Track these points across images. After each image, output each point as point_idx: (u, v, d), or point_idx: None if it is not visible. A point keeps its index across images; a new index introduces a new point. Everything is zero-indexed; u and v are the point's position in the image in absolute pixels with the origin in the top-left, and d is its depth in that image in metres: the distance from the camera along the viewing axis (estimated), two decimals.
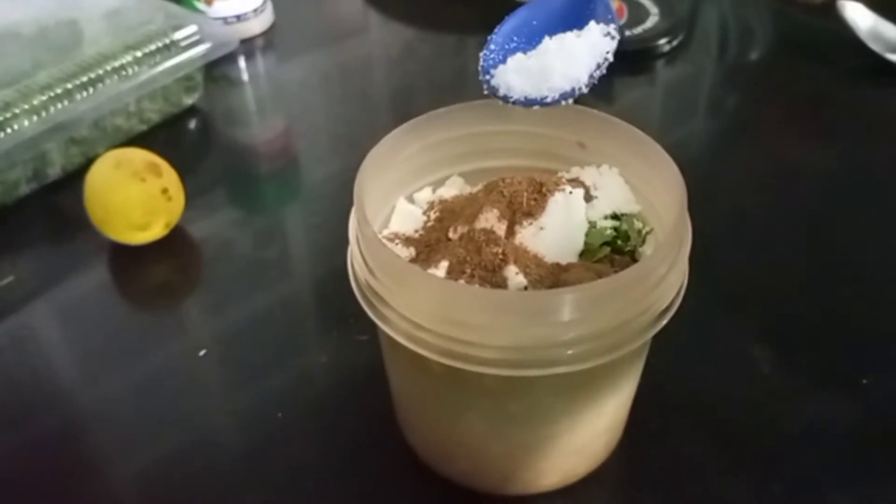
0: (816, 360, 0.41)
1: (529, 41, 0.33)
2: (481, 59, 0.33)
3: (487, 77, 0.33)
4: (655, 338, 0.30)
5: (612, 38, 0.32)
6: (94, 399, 0.41)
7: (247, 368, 0.42)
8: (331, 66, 0.66)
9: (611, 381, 0.32)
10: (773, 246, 0.47)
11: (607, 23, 0.32)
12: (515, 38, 0.33)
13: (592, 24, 0.32)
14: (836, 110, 0.59)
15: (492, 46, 0.33)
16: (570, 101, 0.32)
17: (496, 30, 0.34)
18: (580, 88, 0.32)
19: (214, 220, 0.51)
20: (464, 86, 0.64)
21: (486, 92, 0.33)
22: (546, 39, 0.33)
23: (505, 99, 0.32)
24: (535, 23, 0.33)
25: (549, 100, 0.32)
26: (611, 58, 0.32)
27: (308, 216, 0.53)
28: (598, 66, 0.32)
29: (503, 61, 0.33)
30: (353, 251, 0.31)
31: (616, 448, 0.36)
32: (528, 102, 0.32)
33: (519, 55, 0.33)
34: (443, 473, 0.36)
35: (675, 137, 0.57)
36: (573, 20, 0.33)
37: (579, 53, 0.32)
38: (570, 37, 0.32)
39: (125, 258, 0.47)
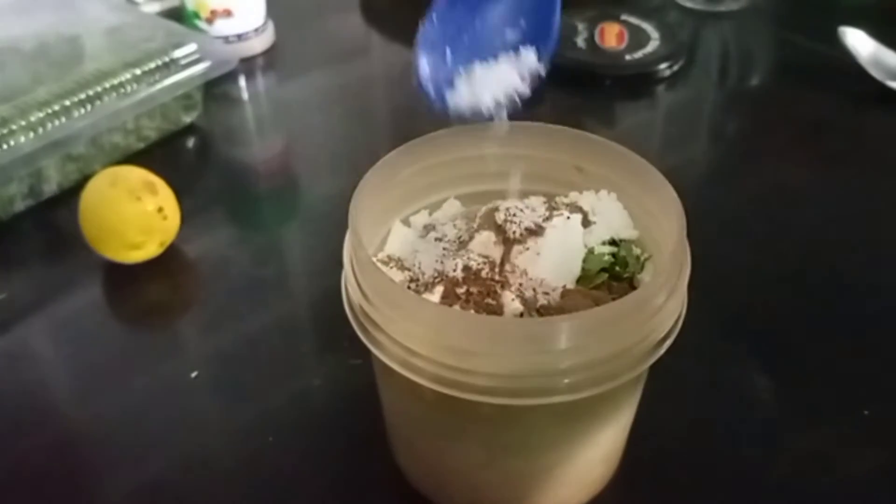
0: (818, 389, 0.40)
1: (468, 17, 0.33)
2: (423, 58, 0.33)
3: (443, 93, 0.33)
4: (653, 365, 0.30)
5: (524, 79, 0.33)
6: (85, 417, 0.40)
7: (239, 390, 0.41)
8: (331, 86, 0.66)
9: (608, 411, 0.31)
10: (774, 273, 0.47)
11: (542, 47, 0.33)
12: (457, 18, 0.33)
13: (522, 49, 0.33)
14: (837, 137, 0.59)
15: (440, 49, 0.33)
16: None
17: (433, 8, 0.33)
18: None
19: (211, 239, 0.50)
20: None
21: (430, 98, 0.33)
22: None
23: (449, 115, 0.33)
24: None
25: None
26: (523, 91, 0.33)
27: (306, 237, 0.52)
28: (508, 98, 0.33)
29: (451, 78, 0.33)
30: (346, 275, 0.31)
31: (612, 479, 0.35)
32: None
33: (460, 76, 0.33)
34: (435, 502, 0.35)
35: (675, 162, 0.57)
36: (511, 16, 0.33)
37: (490, 83, 0.33)
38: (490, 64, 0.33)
39: (119, 277, 0.47)
